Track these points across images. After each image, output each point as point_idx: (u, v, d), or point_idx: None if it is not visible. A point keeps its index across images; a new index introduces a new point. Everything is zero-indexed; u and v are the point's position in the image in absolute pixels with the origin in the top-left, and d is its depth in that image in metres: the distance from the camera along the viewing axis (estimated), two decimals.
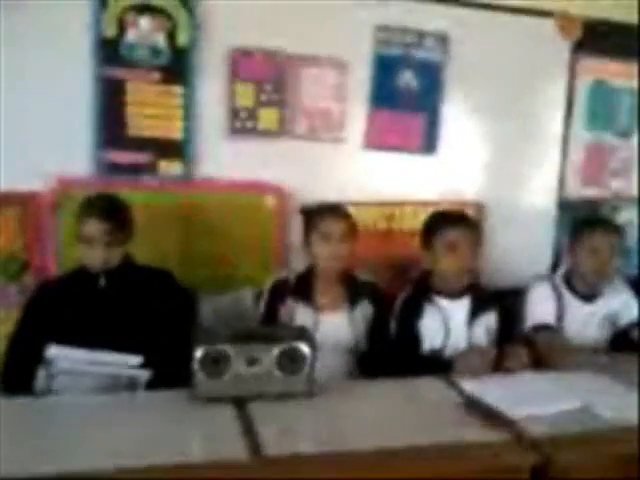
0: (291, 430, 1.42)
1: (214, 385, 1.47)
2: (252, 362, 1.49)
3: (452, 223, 2.05)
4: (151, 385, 1.60)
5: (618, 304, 2.21)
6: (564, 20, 2.63)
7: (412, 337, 2.01)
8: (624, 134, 2.83)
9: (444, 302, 2.06)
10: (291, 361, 1.52)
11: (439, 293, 2.07)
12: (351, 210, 2.12)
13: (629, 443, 1.43)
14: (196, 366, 1.46)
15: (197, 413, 1.46)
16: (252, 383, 1.50)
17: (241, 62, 2.26)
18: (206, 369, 1.46)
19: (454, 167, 2.60)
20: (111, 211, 1.81)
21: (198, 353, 1.46)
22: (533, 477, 1.33)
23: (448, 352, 1.97)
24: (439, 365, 1.85)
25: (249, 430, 1.38)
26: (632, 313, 2.20)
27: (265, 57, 2.28)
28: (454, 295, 2.07)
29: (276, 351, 1.51)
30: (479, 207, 2.62)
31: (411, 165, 2.54)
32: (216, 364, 1.46)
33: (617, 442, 1.44)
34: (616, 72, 2.78)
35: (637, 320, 2.19)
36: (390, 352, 1.97)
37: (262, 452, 1.30)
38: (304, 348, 1.53)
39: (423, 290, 2.08)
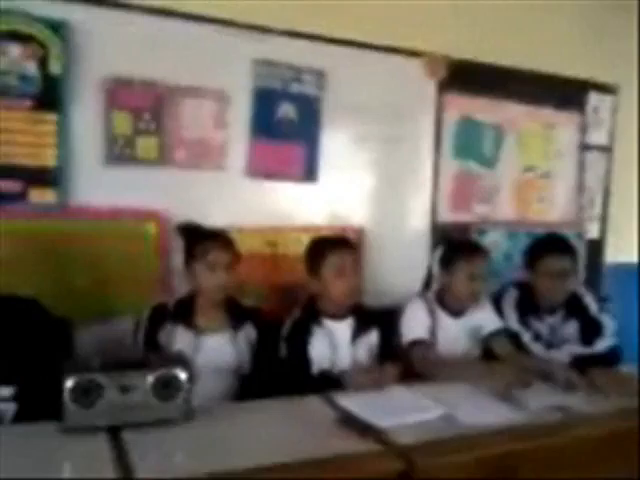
0: (166, 456, 1.41)
1: (86, 415, 1.43)
2: (125, 390, 1.47)
3: (337, 248, 2.13)
4: (21, 418, 1.54)
5: (481, 318, 2.37)
6: (430, 60, 2.86)
7: (302, 358, 2.06)
8: (488, 164, 3.10)
9: (331, 323, 2.13)
10: (166, 387, 1.51)
11: (326, 315, 2.14)
12: (234, 236, 2.14)
13: (487, 446, 1.56)
14: (66, 396, 1.42)
15: (68, 445, 1.41)
16: (126, 411, 1.47)
17: (118, 91, 2.25)
18: (77, 399, 1.42)
19: (334, 194, 2.72)
20: None
21: (68, 383, 1.42)
22: None
23: (335, 371, 2.03)
24: (328, 384, 1.90)
25: (122, 459, 1.36)
26: (492, 325, 2.37)
27: (143, 86, 2.29)
28: (339, 316, 2.15)
29: (151, 378, 1.50)
30: (359, 231, 2.76)
31: (293, 192, 2.63)
32: (87, 394, 1.43)
33: (476, 446, 1.56)
34: (480, 108, 3.04)
35: (494, 331, 2.36)
36: (279, 373, 2.00)
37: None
38: (180, 374, 1.53)
39: (311, 313, 2.14)
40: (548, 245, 2.47)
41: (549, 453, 1.62)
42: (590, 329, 2.42)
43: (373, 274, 2.69)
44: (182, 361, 1.59)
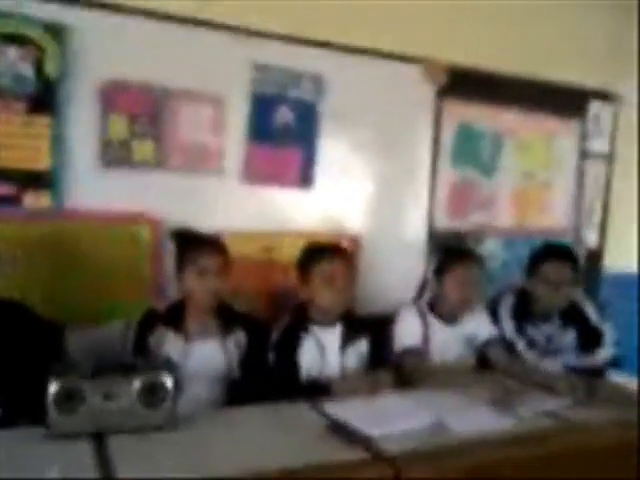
0: (151, 462, 1.39)
1: (69, 421, 1.42)
2: (109, 397, 1.46)
3: (328, 256, 2.11)
4: (7, 423, 1.53)
5: (475, 325, 2.36)
6: (430, 66, 2.85)
7: (291, 366, 2.04)
8: (486, 172, 3.08)
9: (320, 331, 2.11)
10: (152, 394, 1.50)
11: (315, 322, 2.12)
12: (228, 241, 2.13)
13: (477, 454, 1.55)
14: (50, 402, 1.41)
15: (51, 451, 1.40)
16: (110, 418, 1.46)
17: (115, 94, 2.25)
18: (60, 405, 1.41)
19: (331, 200, 2.71)
20: None
21: (52, 388, 1.41)
22: None
23: (324, 379, 2.01)
24: (317, 391, 1.88)
25: (105, 465, 1.35)
26: (487, 333, 2.36)
27: (140, 90, 2.29)
28: (328, 323, 2.13)
29: (136, 384, 1.49)
30: (356, 238, 2.74)
31: (289, 198, 2.62)
32: (71, 399, 1.42)
33: (466, 454, 1.54)
34: (479, 115, 3.02)
35: (489, 339, 2.34)
36: (268, 380, 1.98)
37: None
38: (166, 380, 1.52)
39: (300, 320, 2.13)
40: (549, 253, 2.46)
41: (540, 461, 1.60)
42: (590, 338, 2.41)
43: (369, 282, 2.67)
44: (168, 367, 1.58)
